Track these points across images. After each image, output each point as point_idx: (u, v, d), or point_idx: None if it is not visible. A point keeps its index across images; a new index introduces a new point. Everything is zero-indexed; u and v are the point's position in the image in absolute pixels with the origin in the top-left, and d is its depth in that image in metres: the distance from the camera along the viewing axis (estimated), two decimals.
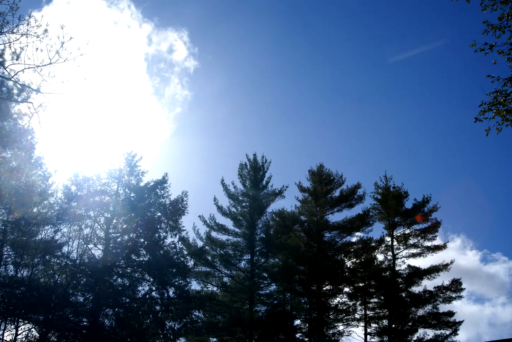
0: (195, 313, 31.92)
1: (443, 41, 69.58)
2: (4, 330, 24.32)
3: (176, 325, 29.88)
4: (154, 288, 29.03)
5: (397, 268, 39.71)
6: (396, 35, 75.67)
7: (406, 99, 79.34)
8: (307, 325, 38.53)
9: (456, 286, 38.61)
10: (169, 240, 29.70)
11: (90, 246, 28.01)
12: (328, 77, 79.48)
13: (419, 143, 78.76)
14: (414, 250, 39.96)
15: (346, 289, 39.62)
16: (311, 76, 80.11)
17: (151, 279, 28.89)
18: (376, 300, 40.24)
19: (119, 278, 28.71)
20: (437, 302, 38.69)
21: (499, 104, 11.53)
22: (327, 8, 74.12)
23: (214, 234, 37.07)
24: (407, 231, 40.40)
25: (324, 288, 38.88)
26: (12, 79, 13.19)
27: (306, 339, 38.70)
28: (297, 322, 38.84)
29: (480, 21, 11.97)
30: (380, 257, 40.35)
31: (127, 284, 28.41)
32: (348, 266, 39.58)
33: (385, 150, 77.76)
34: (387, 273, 39.70)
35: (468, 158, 77.21)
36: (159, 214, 29.85)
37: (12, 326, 24.69)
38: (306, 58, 79.83)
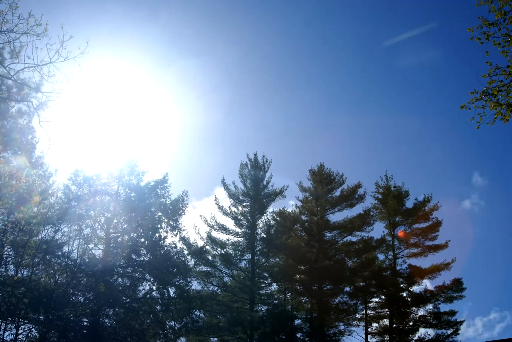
0: (195, 313, 31.93)
1: (441, 51, 69.58)
2: (4, 330, 24.33)
3: (177, 325, 29.90)
4: (154, 288, 29.05)
5: (398, 267, 39.74)
6: (395, 31, 75.53)
7: (407, 98, 79.21)
8: (308, 325, 38.49)
9: (457, 285, 38.58)
10: (169, 240, 29.77)
11: (91, 246, 28.06)
12: (329, 76, 79.43)
13: (420, 142, 78.60)
14: (415, 250, 39.95)
15: (347, 289, 39.61)
16: (311, 75, 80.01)
17: (152, 279, 28.89)
18: (377, 299, 40.26)
19: (119, 278, 28.72)
20: (438, 301, 38.68)
21: (491, 95, 11.44)
22: (326, 7, 73.97)
23: (214, 233, 37.08)
24: (408, 231, 40.40)
25: (324, 288, 38.83)
26: (12, 78, 13.15)
27: (307, 339, 38.64)
28: (298, 322, 38.82)
29: (474, 17, 11.89)
30: (381, 256, 40.38)
31: (128, 284, 28.42)
32: (349, 265, 39.54)
33: (385, 149, 77.65)
34: (388, 272, 39.68)
35: (469, 157, 77.08)
36: (159, 213, 29.86)
37: (13, 326, 24.70)
38: (306, 57, 79.73)
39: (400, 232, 39.99)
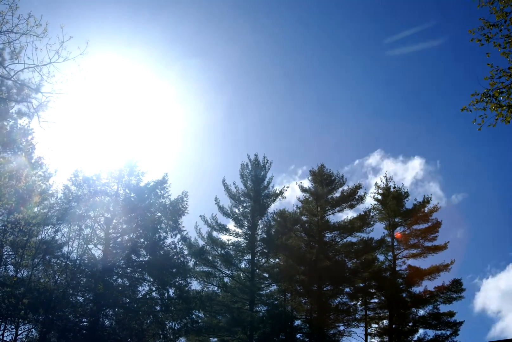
0: (195, 313, 31.95)
1: (441, 35, 69.60)
2: (4, 330, 24.32)
3: (176, 325, 29.93)
4: (154, 288, 29.04)
5: (397, 268, 39.72)
6: (393, 30, 75.42)
7: (407, 97, 79.23)
8: (307, 325, 38.50)
9: (456, 286, 38.59)
10: (169, 240, 29.73)
11: (90, 246, 28.04)
12: (329, 75, 79.45)
13: (420, 142, 78.60)
14: (414, 251, 39.94)
15: (347, 290, 39.61)
16: (311, 74, 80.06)
17: (151, 279, 28.89)
18: (376, 300, 40.26)
19: (119, 279, 28.71)
20: (438, 302, 38.68)
21: (492, 96, 11.44)
22: (325, 7, 73.97)
23: (215, 234, 37.14)
24: (408, 232, 40.40)
25: (324, 289, 38.83)
26: (12, 78, 13.15)
27: (307, 339, 38.67)
28: (298, 322, 38.85)
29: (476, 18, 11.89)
30: (381, 257, 40.38)
31: (127, 284, 28.42)
32: (349, 266, 39.54)
33: (385, 149, 77.63)
34: (388, 273, 39.68)
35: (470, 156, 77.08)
36: (159, 214, 29.84)
37: (12, 327, 24.70)
38: (306, 56, 79.76)
39: (397, 234, 39.99)
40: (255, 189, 37.77)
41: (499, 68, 11.43)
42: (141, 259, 28.74)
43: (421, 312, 38.74)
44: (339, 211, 40.76)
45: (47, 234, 26.57)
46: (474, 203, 72.42)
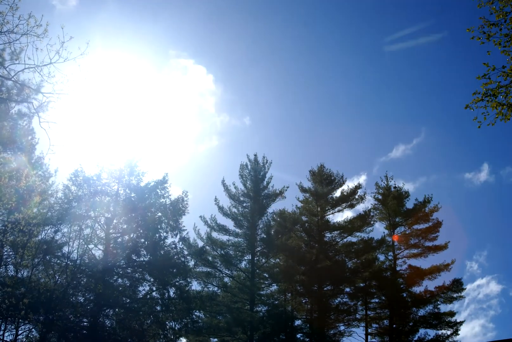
0: (195, 313, 31.97)
1: (442, 34, 69.64)
2: (4, 330, 24.33)
3: (177, 325, 29.92)
4: (154, 289, 29.03)
5: (398, 268, 39.72)
6: (393, 27, 75.35)
7: (408, 96, 79.23)
8: (308, 325, 38.49)
9: (457, 286, 38.59)
10: (169, 240, 29.73)
11: (91, 246, 28.04)
12: (329, 75, 79.47)
13: (420, 142, 78.63)
14: (415, 250, 39.93)
15: (347, 290, 39.60)
16: (312, 74, 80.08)
17: (152, 280, 28.88)
18: (377, 300, 40.26)
19: (119, 279, 28.71)
20: (438, 302, 38.68)
21: (491, 95, 11.49)
22: (325, 6, 73.94)
23: (215, 234, 37.08)
24: (408, 231, 40.38)
25: (325, 289, 38.82)
26: (12, 79, 13.13)
27: (307, 339, 38.66)
28: (298, 322, 38.87)
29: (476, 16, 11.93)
30: (381, 257, 40.37)
31: (128, 285, 28.41)
32: (349, 266, 39.53)
33: (385, 149, 77.70)
34: (388, 273, 39.67)
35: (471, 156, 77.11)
36: (159, 214, 29.83)
37: (12, 327, 24.70)
38: (307, 56, 79.78)
39: (394, 236, 39.97)
40: (255, 189, 37.74)
41: (494, 67, 11.47)
42: (142, 259, 28.73)
43: (422, 312, 38.77)
44: (339, 211, 40.78)
45: (47, 234, 26.61)
46: None
